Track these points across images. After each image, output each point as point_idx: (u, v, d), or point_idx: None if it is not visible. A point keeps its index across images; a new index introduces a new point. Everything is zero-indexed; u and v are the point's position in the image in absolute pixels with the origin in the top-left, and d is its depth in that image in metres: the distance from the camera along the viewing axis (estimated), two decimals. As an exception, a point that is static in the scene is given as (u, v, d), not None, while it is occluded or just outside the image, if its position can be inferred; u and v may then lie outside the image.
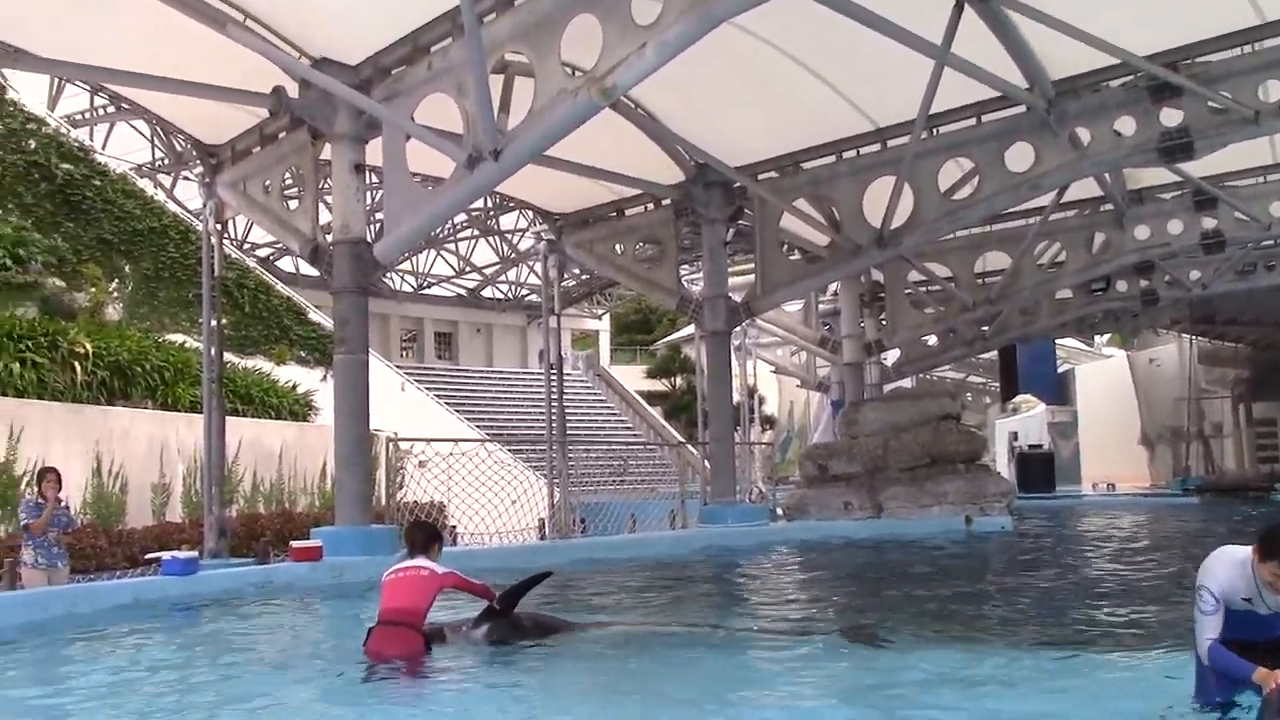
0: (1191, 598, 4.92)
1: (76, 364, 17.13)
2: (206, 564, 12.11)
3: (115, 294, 24.02)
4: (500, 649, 7.43)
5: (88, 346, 17.50)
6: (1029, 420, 43.23)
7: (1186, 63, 13.74)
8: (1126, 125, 14.32)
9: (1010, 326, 27.99)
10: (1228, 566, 4.85)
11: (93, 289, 22.82)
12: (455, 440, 16.07)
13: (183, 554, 11.31)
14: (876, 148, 16.82)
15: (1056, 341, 43.12)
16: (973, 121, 15.65)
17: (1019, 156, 15.17)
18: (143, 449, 17.45)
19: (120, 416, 17.51)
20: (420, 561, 7.33)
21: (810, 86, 15.23)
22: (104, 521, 15.86)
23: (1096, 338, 47.44)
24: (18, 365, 16.18)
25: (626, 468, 27.73)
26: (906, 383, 31.01)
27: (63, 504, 11.21)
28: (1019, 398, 43.43)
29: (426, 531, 7.71)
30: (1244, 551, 4.84)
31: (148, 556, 13.23)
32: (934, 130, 15.89)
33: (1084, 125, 14.57)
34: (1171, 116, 13.92)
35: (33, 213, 24.53)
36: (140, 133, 32.56)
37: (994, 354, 39.47)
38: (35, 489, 11.13)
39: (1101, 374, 45.69)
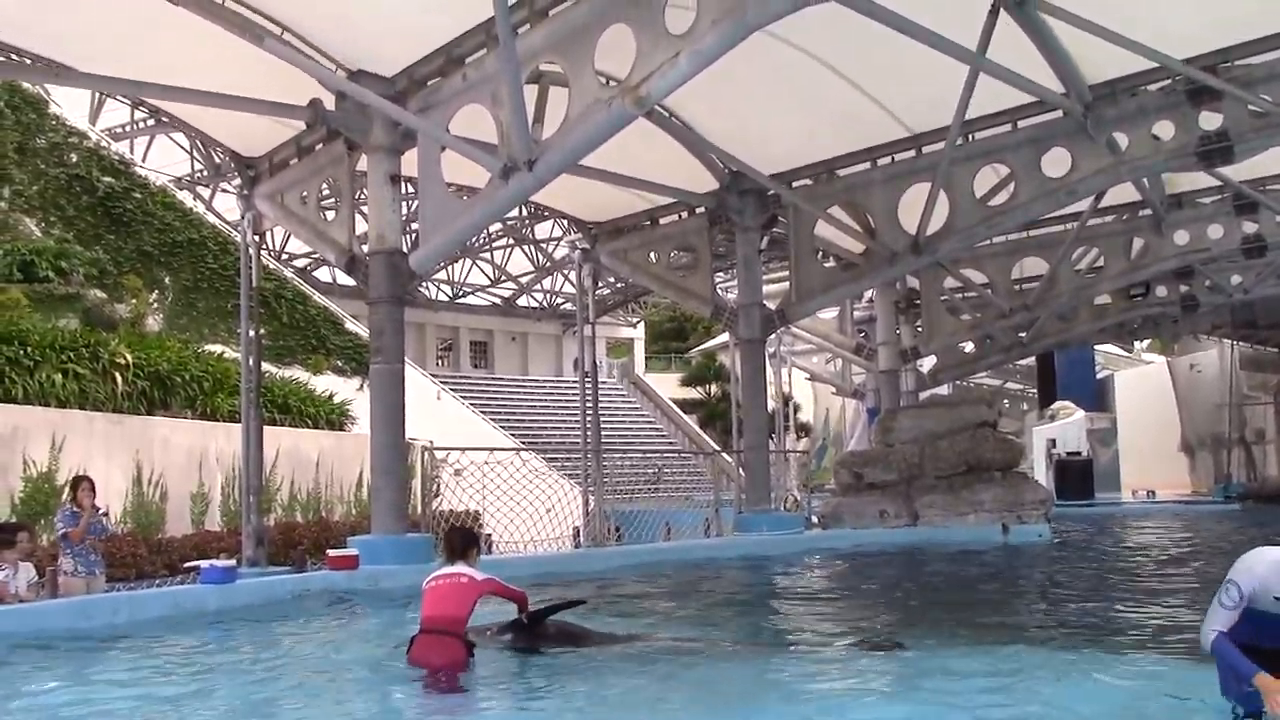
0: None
1: (117, 374, 17.33)
2: (245, 572, 12.21)
3: (155, 305, 24.31)
4: (531, 657, 7.46)
5: (128, 357, 17.70)
6: (1067, 427, 42.83)
7: (1225, 65, 13.60)
8: (1165, 129, 14.18)
9: (1048, 333, 27.77)
10: (1265, 564, 4.78)
11: (133, 300, 23.11)
12: (490, 449, 16.12)
13: (221, 562, 11.41)
14: (912, 154, 16.76)
15: (1095, 347, 42.75)
16: (1009, 127, 15.56)
17: (1055, 162, 15.06)
18: (182, 458, 17.63)
19: (160, 426, 17.70)
20: (459, 568, 7.35)
21: (844, 93, 15.19)
22: (144, 530, 16.03)
23: (1136, 343, 46.98)
24: (60, 376, 16.39)
25: (661, 475, 27.76)
26: (943, 390, 30.82)
27: (100, 511, 11.33)
28: (1057, 404, 43.08)
29: (464, 537, 7.74)
30: None
31: (186, 565, 13.37)
32: (969, 136, 15.80)
33: (1121, 130, 14.44)
34: (1210, 120, 13.78)
35: (74, 225, 24.91)
36: (180, 145, 32.95)
37: (1032, 360, 39.21)
38: (71, 498, 11.25)
39: (1141, 380, 45.23)
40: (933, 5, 11.77)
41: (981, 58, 12.66)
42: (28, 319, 18.06)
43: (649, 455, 36.97)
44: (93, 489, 11.15)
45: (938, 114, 15.23)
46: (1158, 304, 25.70)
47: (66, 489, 12.30)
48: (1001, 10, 12.28)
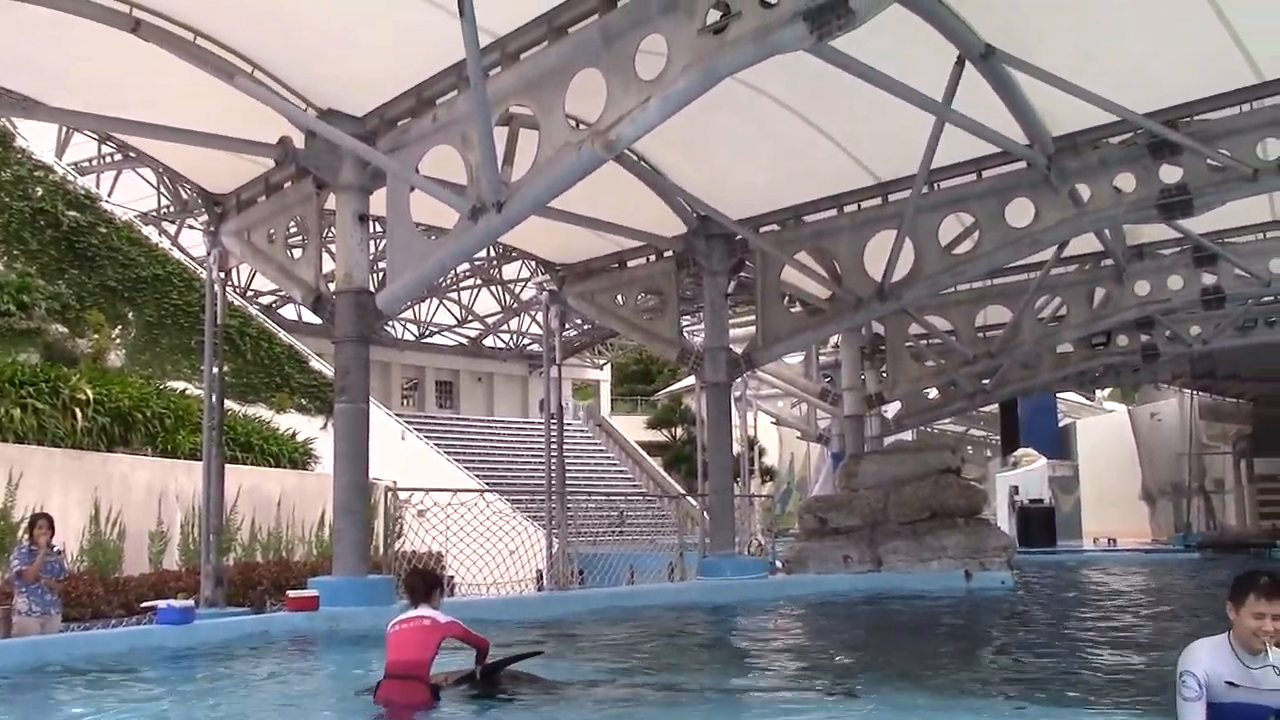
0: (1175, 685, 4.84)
1: (78, 410, 17.16)
2: (203, 613, 12.06)
3: (118, 340, 24.08)
4: (492, 703, 7.40)
5: (89, 393, 17.53)
6: (1030, 474, 43.05)
7: (1185, 120, 13.83)
8: (1126, 182, 14.38)
9: (1011, 380, 27.99)
10: (1206, 649, 4.78)
11: (95, 335, 22.89)
12: (454, 490, 16.03)
13: (179, 603, 11.26)
14: (878, 201, 16.91)
15: (1058, 395, 43.09)
16: (973, 176, 15.73)
17: (1019, 212, 15.24)
18: (141, 496, 17.42)
19: (120, 463, 17.50)
20: (423, 611, 7.30)
21: (812, 140, 15.33)
22: (101, 569, 15.79)
23: (1098, 392, 47.42)
24: (19, 411, 16.21)
25: (624, 518, 27.68)
26: (907, 436, 30.94)
27: (55, 550, 11.17)
28: (1020, 451, 43.30)
29: (426, 580, 7.67)
30: (1219, 636, 4.79)
31: (144, 605, 13.17)
32: (935, 185, 15.97)
33: (1084, 181, 14.64)
34: (1171, 173, 13.98)
35: (38, 259, 24.66)
36: (147, 180, 32.81)
37: (995, 407, 39.44)
38: (28, 535, 11.08)
39: (1102, 428, 45.62)
40: (900, 56, 11.93)
41: (947, 108, 12.82)
42: (-13, 353, 17.87)
43: (613, 498, 36.85)
44: (51, 527, 10.99)
45: (904, 163, 15.38)
46: (1119, 353, 25.95)
47: (24, 527, 12.12)
48: (967, 62, 12.46)
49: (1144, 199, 14.18)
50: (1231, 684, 4.65)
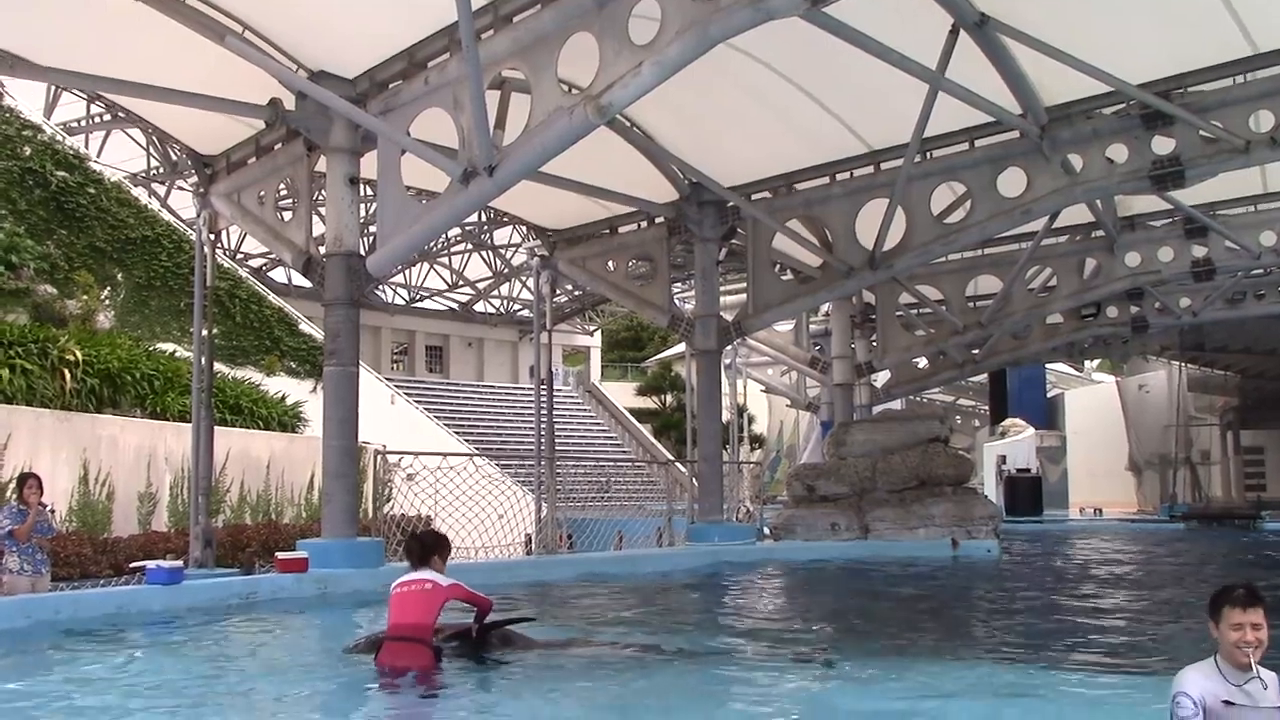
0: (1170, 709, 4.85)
1: (66, 371, 17.10)
2: (191, 574, 12.08)
3: (107, 302, 23.98)
4: (496, 664, 7.47)
5: (78, 354, 17.48)
6: (1017, 444, 43.33)
7: (1179, 92, 13.83)
8: (1119, 152, 14.40)
9: (1001, 350, 28.09)
10: (1196, 673, 4.76)
11: (84, 296, 22.80)
12: (444, 454, 16.05)
13: (168, 563, 11.29)
14: (870, 170, 16.90)
15: (1046, 366, 43.26)
16: (966, 146, 15.73)
17: (1011, 181, 15.25)
18: (130, 457, 17.41)
19: (109, 425, 17.48)
20: (424, 574, 7.30)
21: (805, 108, 15.31)
22: (89, 529, 15.80)
23: (1086, 363, 47.59)
24: (7, 371, 16.16)
25: (610, 485, 27.75)
26: (896, 404, 31.06)
27: (46, 509, 11.18)
28: (1008, 421, 43.57)
29: (430, 542, 7.65)
30: (1205, 660, 4.81)
31: (132, 565, 13.19)
32: (927, 154, 15.97)
33: (1076, 152, 14.65)
34: (1163, 145, 14.00)
35: (26, 219, 24.52)
36: (136, 141, 32.58)
37: (984, 377, 39.60)
38: (17, 495, 11.08)
39: (1091, 399, 45.85)
40: (895, 24, 11.91)
41: (941, 77, 12.80)
42: (-25, 313, 17.80)
43: (602, 464, 36.95)
44: (39, 486, 10.98)
45: (897, 131, 15.37)
46: (1108, 324, 26.05)
47: (12, 486, 12.11)
48: (961, 31, 12.43)
49: (1136, 170, 14.21)
50: (1229, 703, 4.64)
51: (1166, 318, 25.28)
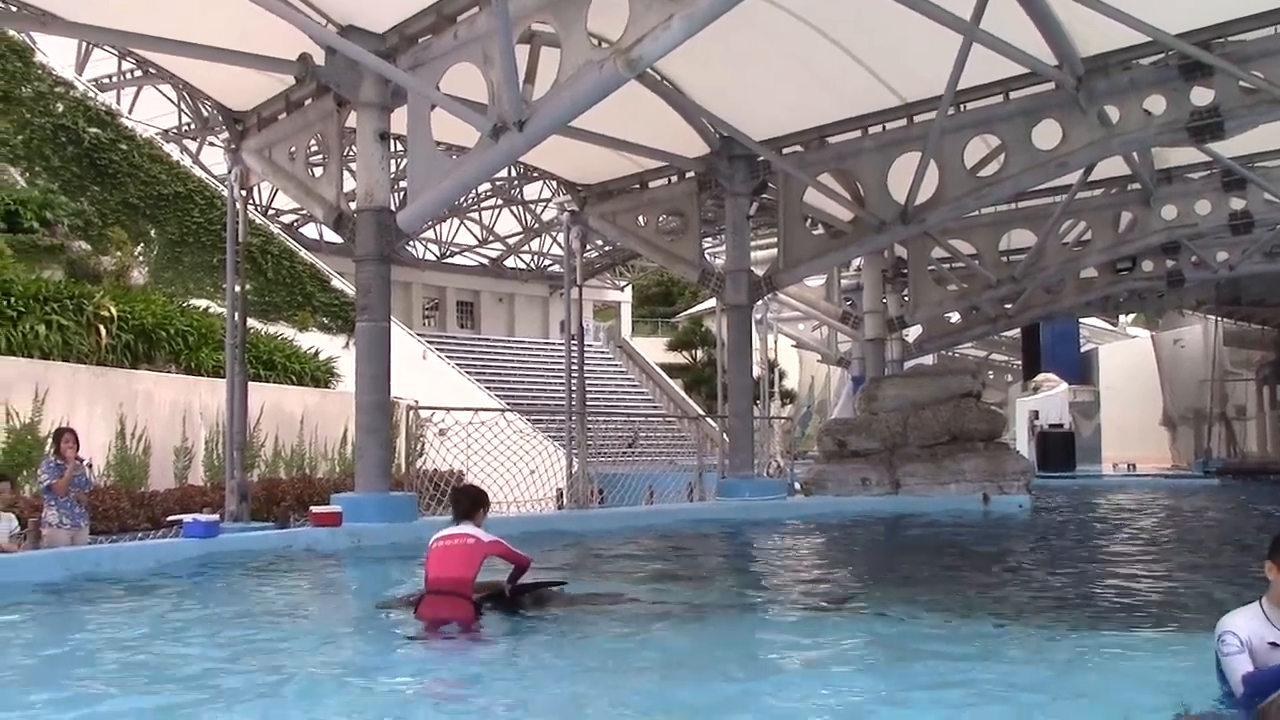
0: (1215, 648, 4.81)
1: (101, 327, 17.27)
2: (227, 527, 12.24)
3: (140, 258, 24.16)
4: (529, 619, 7.54)
5: (113, 310, 17.64)
6: (1050, 399, 43.02)
7: (1219, 41, 13.59)
8: (1156, 104, 14.18)
9: (1034, 305, 27.89)
10: (1241, 615, 4.77)
11: (118, 253, 22.98)
12: (475, 409, 16.13)
13: (204, 517, 11.43)
14: (903, 123, 16.72)
15: (1080, 321, 42.88)
16: (1000, 98, 15.53)
17: (1046, 134, 15.05)
18: (166, 412, 17.61)
19: (144, 380, 17.67)
20: (466, 529, 7.34)
21: (837, 60, 15.14)
22: (127, 483, 16.04)
23: (1121, 318, 47.12)
24: (43, 327, 16.33)
25: (636, 439, 27.86)
26: (928, 359, 30.92)
27: (84, 462, 11.32)
28: (1040, 376, 43.24)
29: (472, 497, 7.69)
30: (1250, 604, 4.80)
31: (169, 519, 13.39)
32: (961, 106, 15.78)
33: (1113, 103, 14.44)
34: (1202, 96, 13.78)
35: (60, 176, 24.73)
36: (167, 97, 32.71)
37: (1017, 332, 39.32)
38: (54, 450, 11.23)
39: (1125, 354, 45.43)
40: (928, -27, 11.74)
41: (975, 27, 12.63)
42: (11, 269, 17.95)
43: (633, 419, 37.03)
44: (76, 441, 11.14)
45: (930, 83, 15.19)
46: (1144, 278, 25.79)
47: (49, 441, 12.28)
48: (996, -20, 12.24)
49: (1174, 121, 14.00)
50: (1275, 645, 4.64)
51: (1203, 272, 25.00)
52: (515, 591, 7.67)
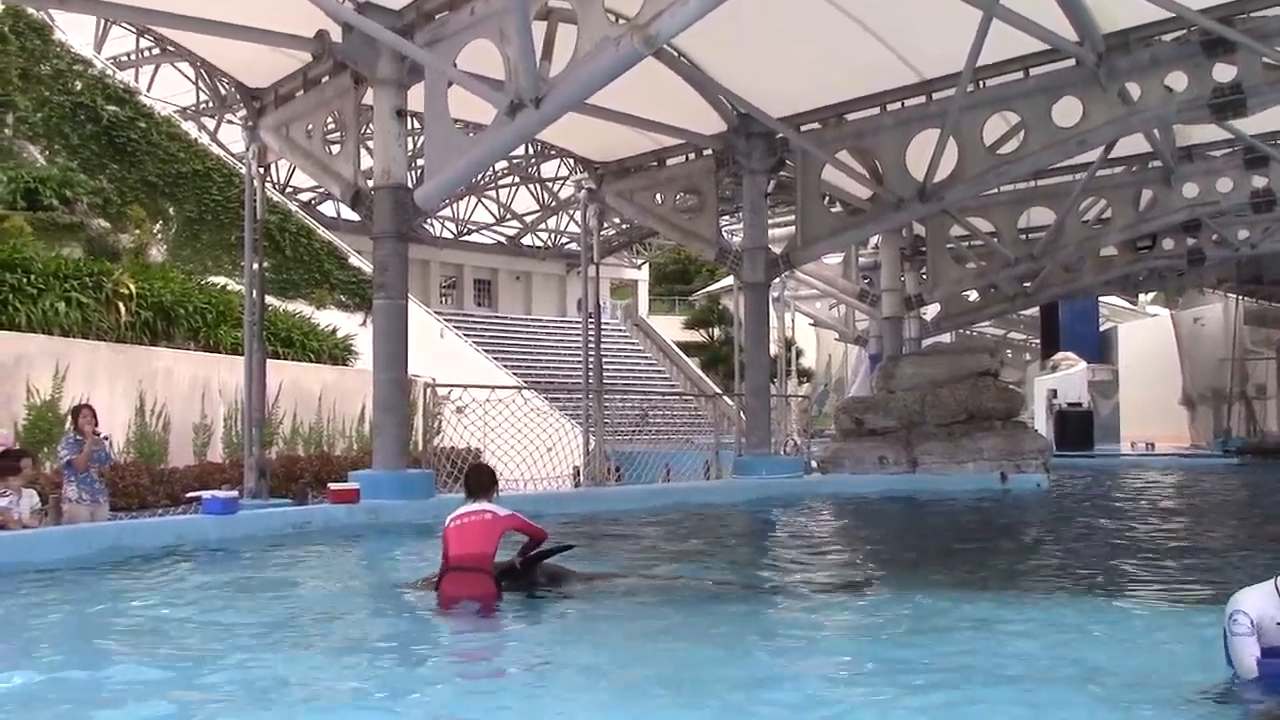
0: (1224, 626, 4.80)
1: (121, 304, 17.33)
2: (246, 504, 12.29)
3: (159, 235, 24.25)
4: (546, 597, 7.57)
5: (132, 287, 17.69)
6: (1069, 378, 42.89)
7: (1242, 17, 13.46)
8: (1178, 81, 14.06)
9: (1053, 283, 27.71)
10: (1254, 593, 4.76)
11: (137, 230, 23.05)
12: (492, 387, 16.16)
13: (223, 493, 11.47)
14: (921, 100, 16.63)
15: (1099, 299, 42.64)
16: (1020, 75, 15.42)
17: (1066, 111, 14.95)
18: (185, 389, 17.68)
19: (163, 357, 17.74)
20: (482, 505, 7.40)
21: (856, 37, 15.05)
22: (146, 460, 16.12)
23: (1140, 296, 46.86)
24: (63, 305, 16.39)
25: (647, 417, 27.86)
26: (946, 338, 30.82)
27: (103, 437, 11.38)
28: (1059, 355, 43.07)
29: (485, 474, 7.84)
30: (1264, 583, 4.78)
31: (189, 495, 13.44)
32: (980, 83, 15.68)
33: (1134, 80, 14.32)
34: (1224, 72, 13.66)
35: (79, 153, 24.79)
36: (185, 75, 32.61)
37: (1035, 311, 39.13)
38: (73, 425, 11.29)
39: (1144, 333, 45.17)
40: (947, -52, 11.65)
41: (995, 4, 12.55)
42: (31, 246, 18.01)
43: (650, 397, 37.05)
44: (94, 416, 11.18)
45: (949, 60, 15.09)
46: (1164, 257, 25.59)
47: (69, 417, 12.34)
48: (1017, -45, 12.15)
49: (1196, 98, 13.88)
50: None
51: (1224, 250, 24.81)
52: (526, 563, 7.70)
